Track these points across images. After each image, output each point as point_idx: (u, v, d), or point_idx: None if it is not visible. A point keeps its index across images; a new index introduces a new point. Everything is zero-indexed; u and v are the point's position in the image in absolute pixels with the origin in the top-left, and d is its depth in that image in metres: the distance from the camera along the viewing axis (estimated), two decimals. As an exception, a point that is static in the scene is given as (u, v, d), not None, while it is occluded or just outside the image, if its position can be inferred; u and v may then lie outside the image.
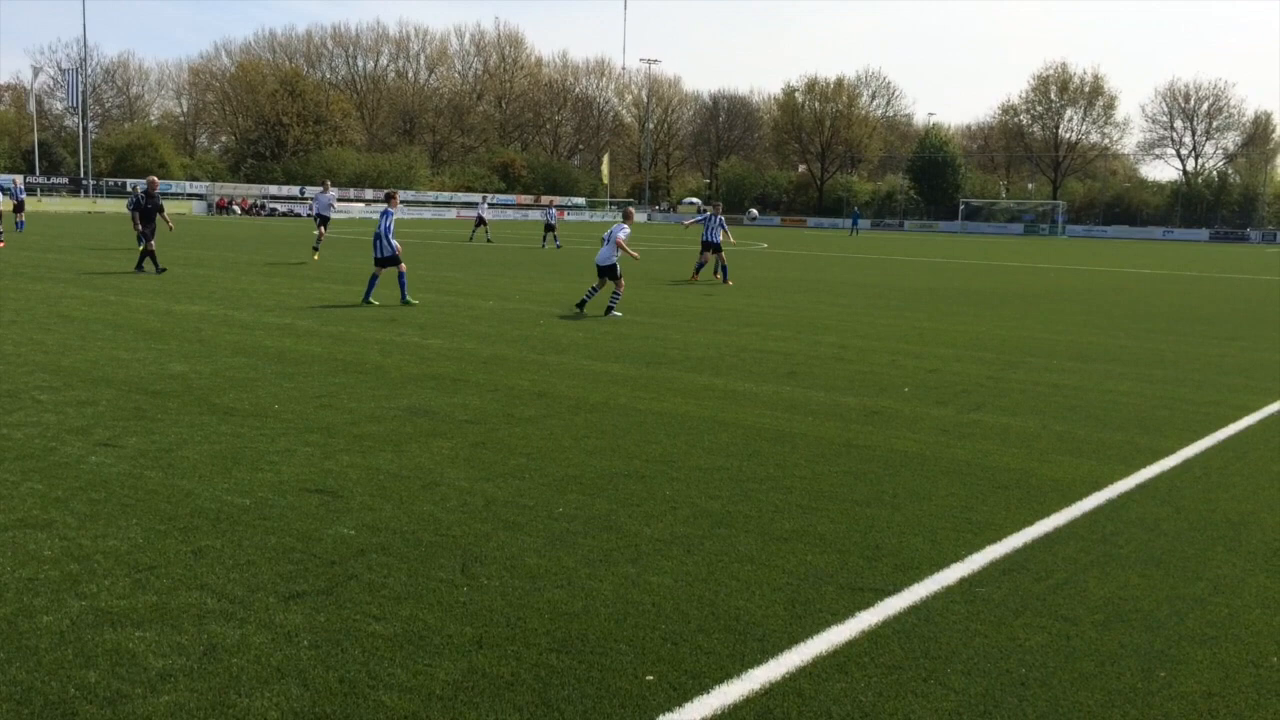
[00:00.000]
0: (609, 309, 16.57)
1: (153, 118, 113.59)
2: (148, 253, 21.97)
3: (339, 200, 29.84)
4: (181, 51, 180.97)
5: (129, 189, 51.55)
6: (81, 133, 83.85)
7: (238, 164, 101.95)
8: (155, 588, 4.69)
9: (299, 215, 78.89)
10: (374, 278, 17.33)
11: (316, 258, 27.35)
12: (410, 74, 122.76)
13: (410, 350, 12.07)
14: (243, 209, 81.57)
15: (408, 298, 17.12)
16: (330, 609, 4.51)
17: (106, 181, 78.53)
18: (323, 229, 28.50)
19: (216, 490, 6.21)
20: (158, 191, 22.97)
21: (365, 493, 6.27)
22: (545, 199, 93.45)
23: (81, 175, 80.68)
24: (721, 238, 24.08)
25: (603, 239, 17.05)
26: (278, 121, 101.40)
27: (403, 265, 17.25)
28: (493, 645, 4.22)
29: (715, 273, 24.25)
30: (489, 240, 43.52)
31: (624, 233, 16.82)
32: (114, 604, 4.49)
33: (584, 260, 26.85)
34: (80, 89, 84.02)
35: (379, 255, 17.04)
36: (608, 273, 16.87)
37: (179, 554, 5.13)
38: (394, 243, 17.05)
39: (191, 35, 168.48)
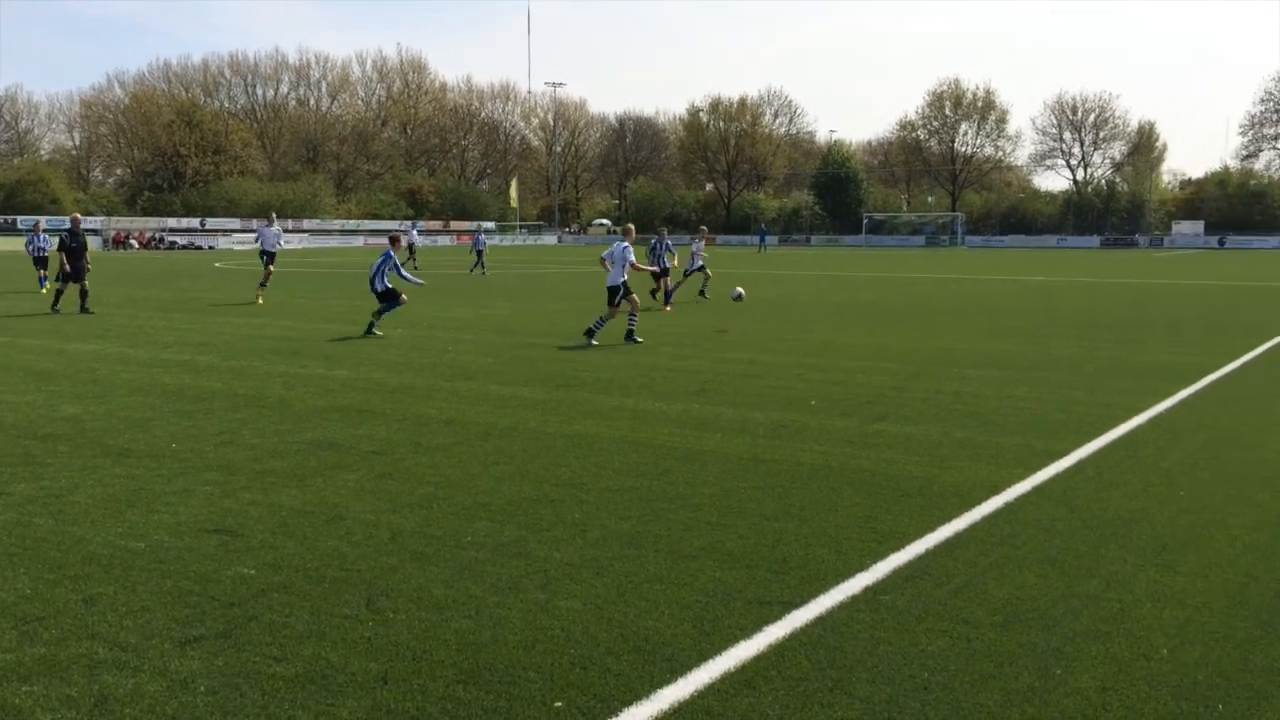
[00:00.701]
0: (629, 334, 16.25)
1: (43, 152, 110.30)
2: (80, 292, 21.09)
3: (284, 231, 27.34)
4: (73, 83, 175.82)
5: (19, 226, 49.96)
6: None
7: (134, 197, 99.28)
8: (44, 639, 4.51)
9: (200, 248, 77.15)
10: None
11: (261, 300, 24.20)
12: (312, 102, 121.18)
13: (314, 382, 11.86)
14: (141, 243, 79.36)
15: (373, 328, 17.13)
16: (229, 652, 4.40)
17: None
18: (271, 266, 25.98)
19: (110, 535, 6.02)
20: (81, 229, 22.33)
21: (266, 531, 6.13)
22: (473, 225, 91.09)
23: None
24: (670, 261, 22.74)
25: (603, 261, 16.55)
26: (175, 153, 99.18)
27: (402, 298, 17.55)
28: (398, 680, 4.16)
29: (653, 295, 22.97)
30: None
31: (630, 253, 16.41)
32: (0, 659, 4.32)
33: (502, 285, 26.67)
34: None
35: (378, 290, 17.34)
36: (619, 293, 16.14)
37: (69, 603, 4.95)
38: (384, 282, 17.30)
39: (83, 67, 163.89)
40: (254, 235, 30.42)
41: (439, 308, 22.96)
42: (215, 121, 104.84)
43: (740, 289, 23.57)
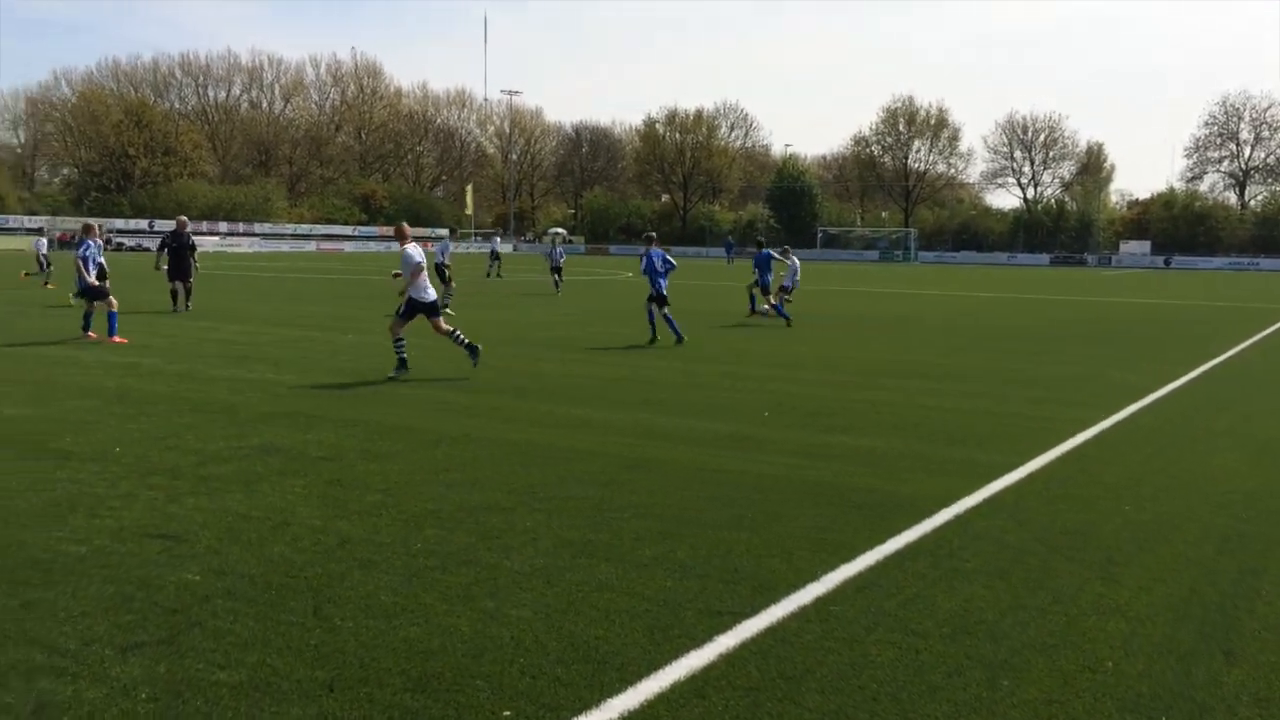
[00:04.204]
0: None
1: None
2: (185, 291, 22.00)
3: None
4: (17, 80, 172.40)
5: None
6: (-94, 164, 78.95)
7: (81, 197, 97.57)
8: (-22, 646, 4.39)
9: (147, 249, 75.86)
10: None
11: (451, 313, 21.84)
12: (264, 104, 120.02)
13: (263, 388, 11.70)
14: (62, 241, 77.82)
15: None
16: (171, 659, 4.31)
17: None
18: (453, 283, 24.50)
19: (50, 539, 5.88)
20: (187, 230, 22.68)
21: (212, 536, 6.02)
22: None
23: (-94, 209, 75.90)
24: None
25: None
26: (124, 153, 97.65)
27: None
28: (345, 688, 4.09)
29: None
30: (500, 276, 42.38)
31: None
32: (-70, 666, 4.19)
33: (487, 291, 26.31)
34: (-96, 118, 79.16)
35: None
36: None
37: (6, 608, 4.82)
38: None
39: (28, 63, 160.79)
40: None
41: (388, 313, 22.75)
42: (165, 122, 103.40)
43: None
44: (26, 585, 5.14)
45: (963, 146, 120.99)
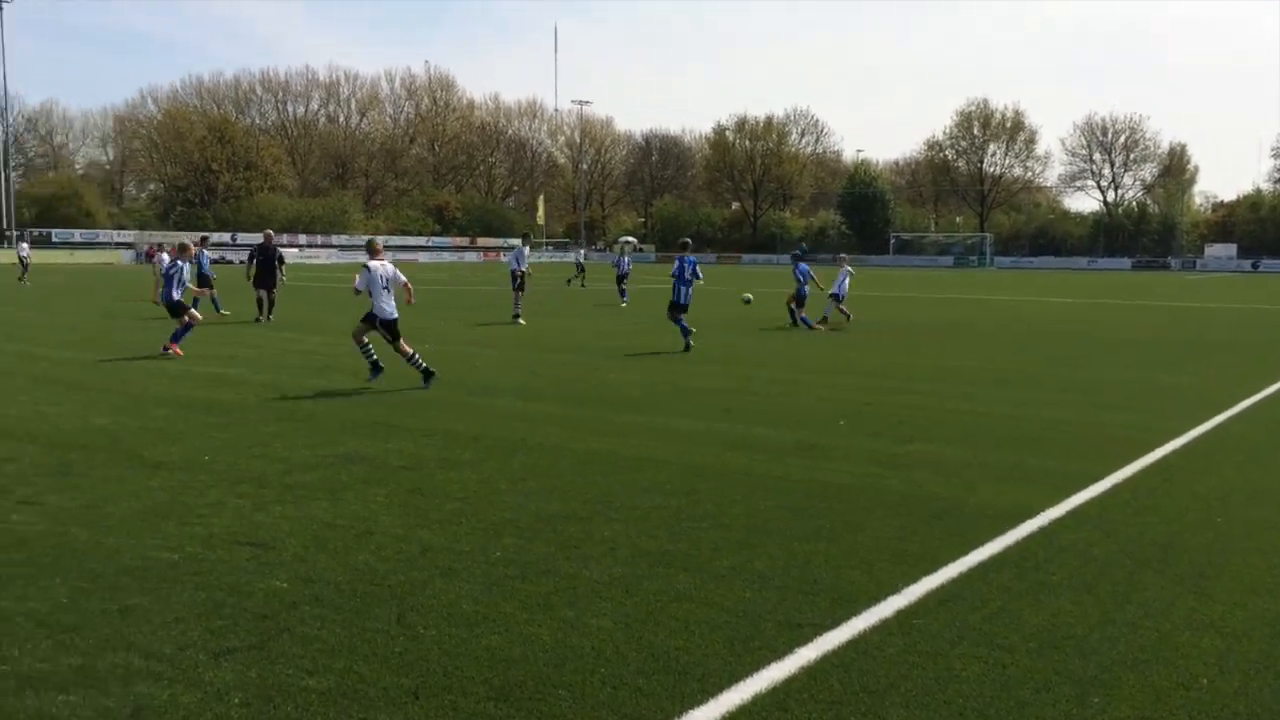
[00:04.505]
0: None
1: (78, 166, 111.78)
2: (269, 301, 23.08)
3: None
4: (106, 99, 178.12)
5: (19, 237, 52.05)
6: (4, 183, 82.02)
7: (167, 211, 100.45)
8: (79, 649, 4.54)
9: (230, 262, 77.81)
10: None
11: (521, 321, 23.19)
12: (341, 118, 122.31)
13: (343, 397, 11.93)
14: (173, 257, 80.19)
15: None
16: (262, 664, 4.41)
17: (32, 232, 76.38)
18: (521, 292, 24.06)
19: (144, 546, 6.06)
20: (274, 243, 23.83)
21: (298, 544, 6.16)
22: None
23: (5, 226, 78.81)
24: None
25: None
26: (207, 168, 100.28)
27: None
28: (429, 695, 4.16)
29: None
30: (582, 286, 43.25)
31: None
32: (35, 668, 4.35)
33: (528, 299, 26.50)
34: (2, 139, 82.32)
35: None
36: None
37: (104, 613, 4.98)
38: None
39: (116, 83, 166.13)
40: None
41: (465, 323, 23.05)
42: (247, 137, 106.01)
43: (749, 295, 24.31)
44: (123, 591, 5.30)
45: (1040, 149, 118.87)
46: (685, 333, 17.48)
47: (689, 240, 19.58)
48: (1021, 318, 28.07)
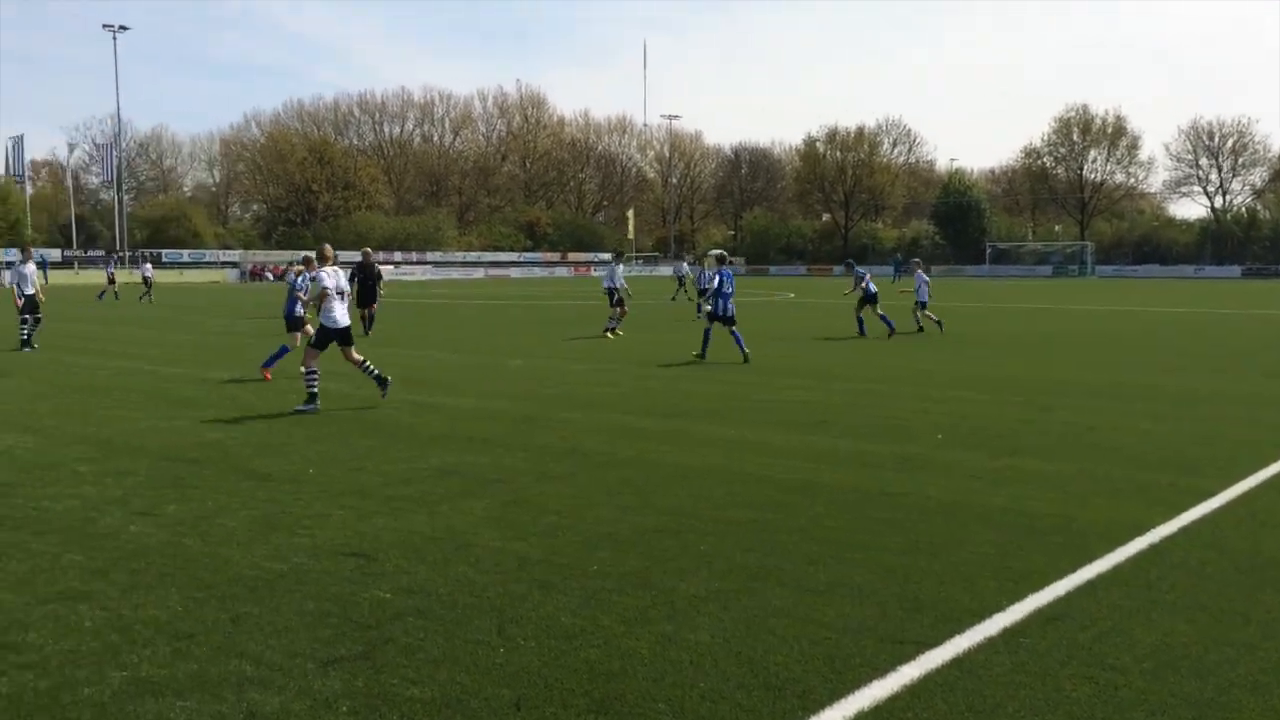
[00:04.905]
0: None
1: (186, 189, 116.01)
2: (369, 317, 24.13)
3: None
4: (212, 123, 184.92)
5: (142, 258, 54.77)
6: (117, 206, 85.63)
7: (269, 231, 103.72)
8: (195, 656, 4.70)
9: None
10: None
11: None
12: (435, 137, 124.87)
13: (439, 411, 12.14)
14: (275, 275, 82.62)
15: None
16: (368, 674, 4.51)
17: (146, 253, 79.41)
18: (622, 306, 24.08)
19: (254, 556, 6.25)
20: (373, 261, 24.88)
21: (400, 555, 6.28)
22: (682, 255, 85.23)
23: (118, 247, 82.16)
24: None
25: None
26: (307, 188, 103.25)
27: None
28: (531, 707, 4.20)
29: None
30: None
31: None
32: (155, 673, 4.51)
33: (652, 314, 26.75)
34: (115, 163, 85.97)
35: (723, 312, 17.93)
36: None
37: (218, 621, 5.15)
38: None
39: (221, 108, 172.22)
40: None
41: (556, 338, 23.27)
42: (345, 158, 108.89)
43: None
44: (235, 600, 5.47)
45: (1142, 155, 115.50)
46: (706, 342, 18.07)
47: (725, 253, 20.21)
48: (1126, 327, 27.25)
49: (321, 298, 12.26)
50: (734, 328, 17.85)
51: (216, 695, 4.29)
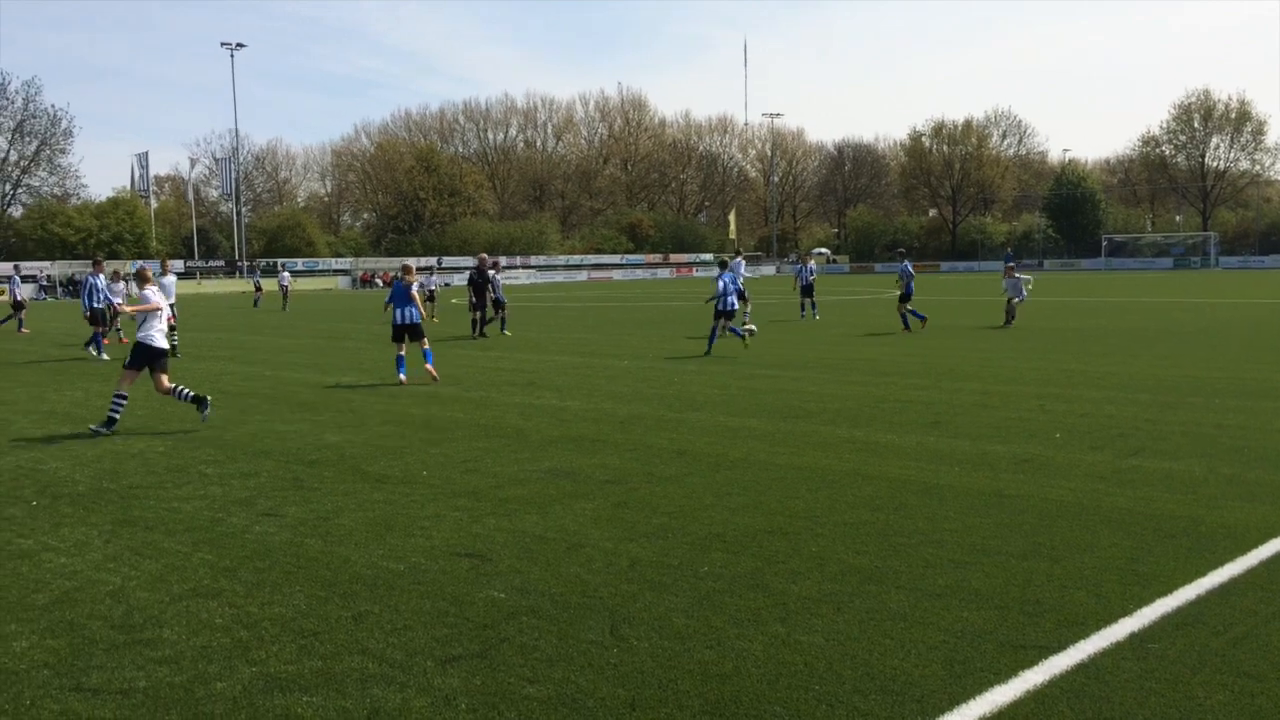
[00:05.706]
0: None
1: (300, 199, 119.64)
2: (482, 320, 25.43)
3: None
4: (324, 135, 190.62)
5: (278, 266, 56.54)
6: (236, 217, 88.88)
7: (379, 239, 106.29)
8: (320, 653, 4.84)
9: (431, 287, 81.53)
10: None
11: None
12: (538, 143, 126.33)
13: (549, 413, 12.28)
14: (384, 282, 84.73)
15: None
16: (485, 672, 4.58)
17: (261, 262, 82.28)
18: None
19: (373, 556, 6.41)
20: (487, 267, 26.03)
21: (513, 556, 6.37)
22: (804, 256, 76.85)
23: (236, 257, 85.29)
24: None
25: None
26: (415, 196, 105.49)
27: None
28: (645, 708, 4.21)
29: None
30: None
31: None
32: (282, 669, 4.66)
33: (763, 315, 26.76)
34: (233, 176, 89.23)
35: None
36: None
37: (340, 619, 5.29)
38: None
39: (333, 120, 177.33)
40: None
41: (661, 339, 23.31)
42: (451, 165, 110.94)
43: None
44: (356, 598, 5.62)
45: (1269, 140, 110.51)
46: (713, 339, 19.69)
47: (739, 250, 21.97)
48: (1254, 321, 26.07)
49: (149, 313, 11.68)
50: (730, 323, 19.85)
51: (341, 691, 4.41)
